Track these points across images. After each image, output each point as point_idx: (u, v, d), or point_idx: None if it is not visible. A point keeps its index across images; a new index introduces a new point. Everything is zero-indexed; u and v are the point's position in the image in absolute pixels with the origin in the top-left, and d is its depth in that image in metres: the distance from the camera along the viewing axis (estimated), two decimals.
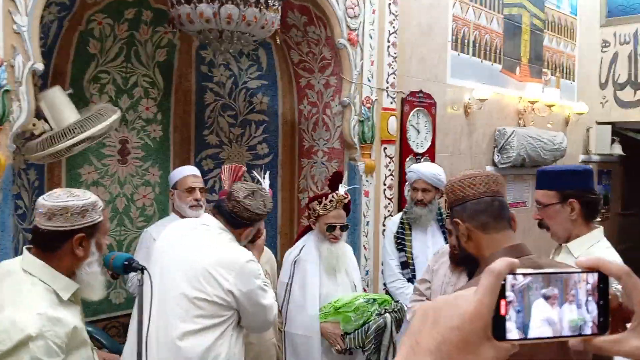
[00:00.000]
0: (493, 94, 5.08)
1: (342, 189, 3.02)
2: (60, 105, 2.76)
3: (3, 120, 2.29)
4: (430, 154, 4.42)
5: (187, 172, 3.27)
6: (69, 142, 2.64)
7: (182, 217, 3.12)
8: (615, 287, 0.68)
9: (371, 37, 3.84)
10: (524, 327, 0.59)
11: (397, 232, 3.45)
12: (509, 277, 0.60)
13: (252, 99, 4.16)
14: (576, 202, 2.17)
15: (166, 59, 3.99)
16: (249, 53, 4.07)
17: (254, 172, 2.95)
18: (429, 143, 4.42)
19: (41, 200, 1.77)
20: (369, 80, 3.85)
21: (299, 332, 2.92)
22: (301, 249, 3.06)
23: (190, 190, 3.17)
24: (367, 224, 3.94)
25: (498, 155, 5.26)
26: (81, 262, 1.79)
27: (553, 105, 5.81)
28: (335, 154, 3.95)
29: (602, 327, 0.61)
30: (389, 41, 3.95)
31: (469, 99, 4.86)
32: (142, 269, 1.78)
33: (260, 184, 2.82)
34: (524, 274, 0.60)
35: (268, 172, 2.90)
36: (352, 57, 3.72)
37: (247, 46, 3.19)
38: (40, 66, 2.42)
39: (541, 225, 2.28)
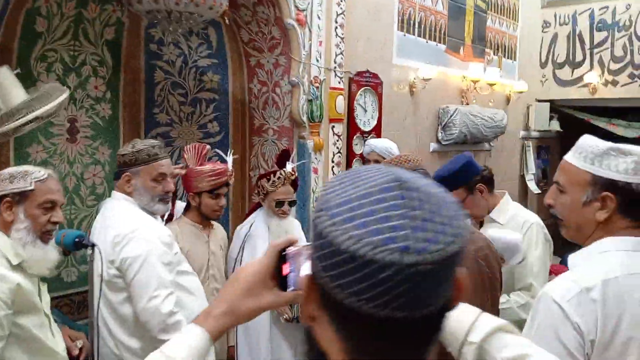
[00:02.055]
0: (437, 73, 5.27)
1: (289, 166, 3.15)
2: (8, 85, 2.76)
3: None
4: (376, 132, 4.58)
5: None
6: (17, 122, 2.65)
7: None
8: None
9: (319, 18, 3.93)
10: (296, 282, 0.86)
11: None
12: (290, 249, 0.87)
13: (203, 77, 4.20)
14: (480, 185, 2.67)
15: (114, 37, 3.98)
16: (199, 32, 4.10)
17: (218, 150, 3.05)
18: (375, 121, 4.58)
19: None
20: (317, 61, 3.96)
21: None
22: (251, 225, 3.18)
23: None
24: (316, 200, 4.08)
25: (441, 133, 5.48)
26: (10, 226, 1.91)
27: (494, 84, 6.06)
28: (285, 132, 4.06)
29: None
30: (336, 22, 4.05)
31: (414, 79, 5.03)
32: (92, 246, 1.87)
33: (226, 162, 2.92)
34: (298, 247, 0.87)
35: (232, 151, 3.00)
36: (301, 37, 3.81)
37: (196, 26, 3.25)
38: None
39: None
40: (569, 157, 1.57)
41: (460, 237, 0.64)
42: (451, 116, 5.40)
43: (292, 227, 3.22)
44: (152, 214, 2.41)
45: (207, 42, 4.15)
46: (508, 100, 6.78)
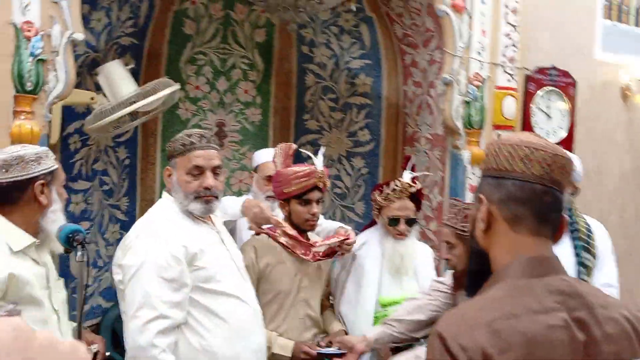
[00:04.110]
0: None
1: (407, 176, 2.56)
2: (118, 79, 2.73)
3: (37, 89, 2.29)
4: (566, 145, 3.64)
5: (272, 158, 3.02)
6: (116, 114, 2.59)
7: None
8: None
9: (483, 2, 3.25)
10: None
11: None
12: None
13: (354, 80, 3.81)
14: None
15: (265, 40, 3.84)
16: (351, 30, 3.74)
17: (303, 150, 2.64)
18: (565, 132, 3.65)
19: None
20: (479, 54, 3.26)
21: None
22: (362, 244, 2.66)
23: (270, 179, 2.87)
24: None
25: None
26: (45, 210, 1.79)
27: None
28: (439, 140, 3.43)
29: None
30: (507, 6, 3.31)
31: (629, 80, 3.92)
32: (81, 245, 1.61)
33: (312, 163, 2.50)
34: None
35: (323, 149, 2.56)
36: (457, 26, 3.18)
37: (321, 12, 2.88)
38: (79, 36, 2.39)
39: None
40: None
41: None
42: None
43: (412, 253, 2.60)
44: (196, 216, 2.06)
45: (359, 41, 3.75)
46: None
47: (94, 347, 1.90)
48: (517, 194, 1.12)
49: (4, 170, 1.75)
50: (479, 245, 1.18)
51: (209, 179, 1.98)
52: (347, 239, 2.48)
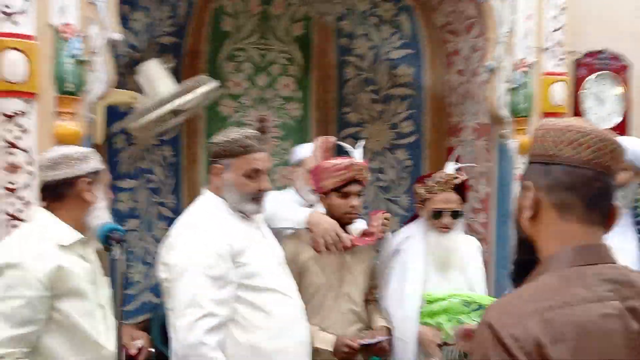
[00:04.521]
0: None
1: (451, 167, 2.48)
2: (156, 78, 2.75)
3: (78, 90, 2.33)
4: (621, 131, 3.45)
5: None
6: (155, 113, 2.61)
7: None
8: None
9: None
10: None
11: None
12: None
13: (395, 71, 3.73)
14: None
15: (303, 34, 3.81)
16: (391, 20, 3.66)
17: (341, 143, 2.60)
18: (619, 118, 3.47)
19: (41, 156, 1.91)
20: (524, 39, 3.13)
21: (395, 334, 2.47)
22: (406, 238, 2.60)
23: None
24: None
25: None
26: (90, 207, 1.86)
27: None
28: (484, 130, 3.32)
29: None
30: None
31: None
32: (119, 242, 1.62)
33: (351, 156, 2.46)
34: None
35: (363, 142, 2.51)
36: (498, 11, 3.06)
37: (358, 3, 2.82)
38: (117, 36, 2.41)
39: None
40: None
41: None
42: None
43: (457, 246, 2.52)
44: (246, 214, 2.06)
45: (399, 31, 3.67)
46: None
47: (139, 343, 1.93)
48: (566, 179, 1.08)
49: (51, 168, 1.83)
50: (525, 234, 1.14)
51: (266, 182, 2.00)
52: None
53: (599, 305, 1.00)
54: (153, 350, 2.09)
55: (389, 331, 2.44)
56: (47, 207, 1.86)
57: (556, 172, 1.08)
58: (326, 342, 2.29)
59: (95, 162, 1.91)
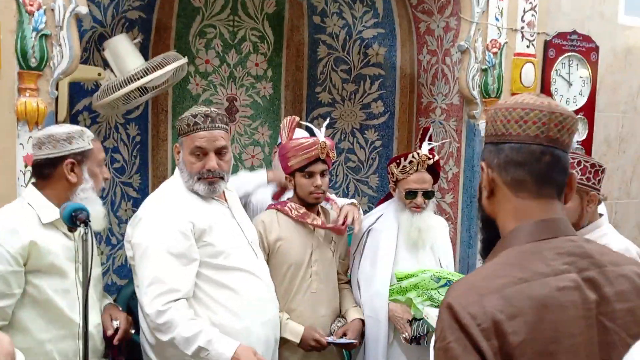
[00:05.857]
0: None
1: (425, 148, 2.48)
2: (124, 54, 2.67)
3: (42, 65, 2.24)
4: (586, 113, 3.53)
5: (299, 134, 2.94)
6: (124, 90, 2.54)
7: None
8: None
9: None
10: None
11: None
12: None
13: (368, 50, 3.71)
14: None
15: (276, 11, 3.74)
16: None
17: (305, 123, 2.58)
18: (585, 99, 3.53)
19: (34, 134, 1.94)
20: (497, 20, 3.15)
21: (365, 312, 2.49)
22: (378, 218, 2.61)
23: None
24: None
25: None
26: (74, 187, 1.87)
27: None
28: (454, 111, 3.34)
29: None
30: None
31: None
32: (84, 223, 1.59)
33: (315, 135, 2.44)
34: None
35: (327, 121, 2.50)
36: None
37: None
38: (83, 9, 2.32)
39: None
40: None
41: None
42: None
43: (430, 225, 2.54)
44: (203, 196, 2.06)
45: (372, 9, 3.64)
46: None
47: (116, 323, 1.92)
48: (515, 157, 1.10)
49: (37, 147, 1.86)
50: (486, 213, 1.17)
51: (212, 161, 1.98)
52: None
53: (555, 279, 1.02)
54: (133, 331, 2.06)
55: (362, 323, 2.45)
56: (35, 185, 1.88)
57: (506, 151, 1.11)
58: (294, 334, 2.29)
59: (81, 142, 1.88)
